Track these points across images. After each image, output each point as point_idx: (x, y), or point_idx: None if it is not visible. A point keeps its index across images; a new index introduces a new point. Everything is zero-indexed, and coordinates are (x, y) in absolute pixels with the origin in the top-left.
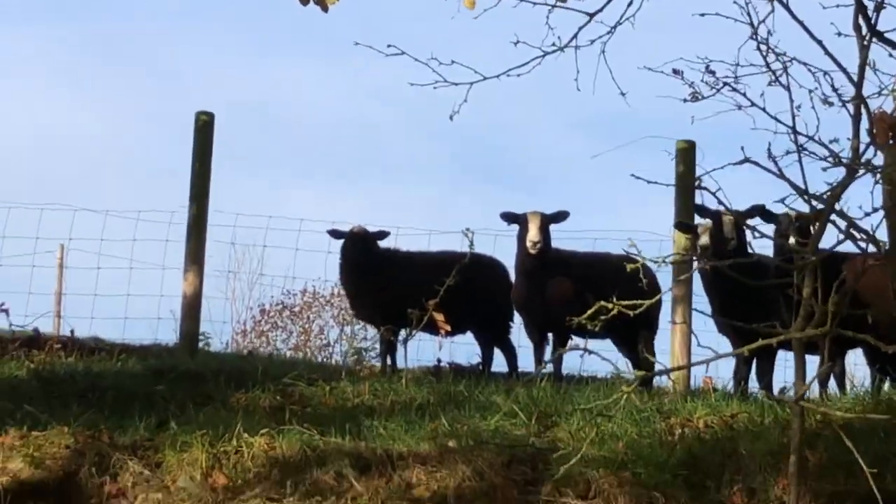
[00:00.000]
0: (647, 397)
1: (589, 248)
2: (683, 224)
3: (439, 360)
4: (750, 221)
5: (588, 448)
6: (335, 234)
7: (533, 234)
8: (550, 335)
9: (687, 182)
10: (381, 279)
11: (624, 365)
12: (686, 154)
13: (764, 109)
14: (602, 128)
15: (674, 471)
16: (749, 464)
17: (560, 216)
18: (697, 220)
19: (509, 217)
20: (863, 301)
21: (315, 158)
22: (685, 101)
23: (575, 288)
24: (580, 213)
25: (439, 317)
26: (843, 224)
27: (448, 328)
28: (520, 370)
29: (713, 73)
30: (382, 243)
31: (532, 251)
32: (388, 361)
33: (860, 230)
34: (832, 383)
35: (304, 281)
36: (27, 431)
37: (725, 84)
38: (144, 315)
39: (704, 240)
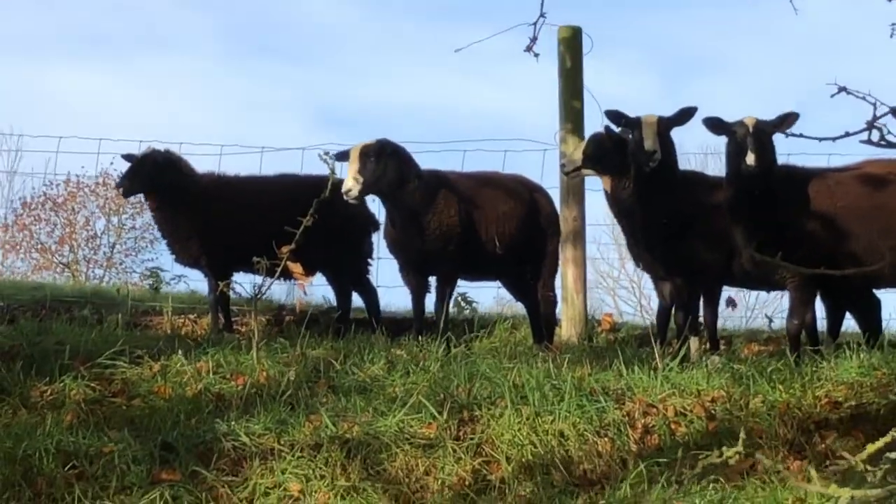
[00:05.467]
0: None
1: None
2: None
3: (282, 307)
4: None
5: None
6: (129, 158)
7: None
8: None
9: (574, 77)
10: (202, 213)
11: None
12: (571, 43)
13: None
14: None
15: None
16: None
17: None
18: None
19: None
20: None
21: (76, 35)
22: None
23: (461, 218)
24: (359, 84)
25: (296, 268)
26: None
27: (307, 281)
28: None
29: None
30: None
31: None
32: (221, 317)
33: None
34: None
35: (67, 171)
36: None
37: None
38: None
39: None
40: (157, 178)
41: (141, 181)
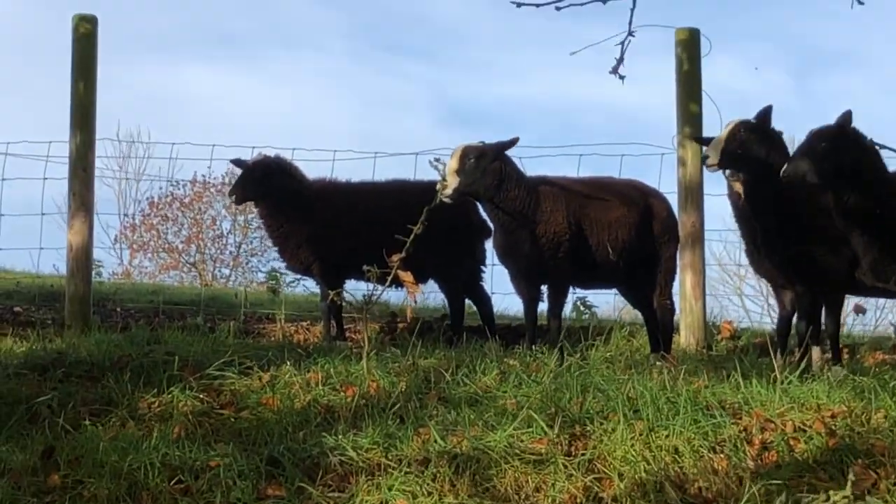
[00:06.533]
0: (675, 371)
1: (573, 166)
2: (705, 139)
3: (394, 315)
4: None
5: None
6: (239, 163)
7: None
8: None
9: (692, 80)
10: (312, 220)
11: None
12: (688, 45)
13: None
14: None
15: None
16: None
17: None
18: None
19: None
20: None
21: (209, 34)
22: None
23: (569, 224)
24: (487, 81)
25: (407, 277)
26: None
27: (418, 290)
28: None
29: None
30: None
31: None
32: (333, 324)
33: None
34: None
35: (193, 171)
36: None
37: None
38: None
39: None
40: (268, 184)
41: (253, 188)
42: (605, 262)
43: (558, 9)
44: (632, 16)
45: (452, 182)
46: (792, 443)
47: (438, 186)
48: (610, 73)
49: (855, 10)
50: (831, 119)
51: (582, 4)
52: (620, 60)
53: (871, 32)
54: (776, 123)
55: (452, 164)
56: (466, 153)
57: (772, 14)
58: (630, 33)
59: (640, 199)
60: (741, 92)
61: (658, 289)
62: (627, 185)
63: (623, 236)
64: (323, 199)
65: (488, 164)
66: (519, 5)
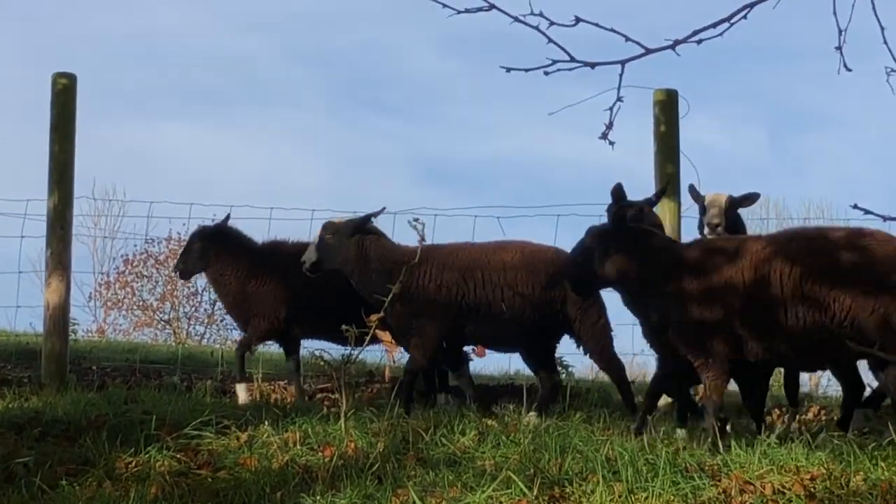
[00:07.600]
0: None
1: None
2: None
3: (372, 373)
4: None
5: None
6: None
7: None
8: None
9: (669, 141)
10: (259, 284)
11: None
12: (666, 107)
13: None
14: (475, 47)
15: None
16: None
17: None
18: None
19: None
20: None
21: (186, 91)
22: None
23: (447, 291)
24: (463, 138)
25: (385, 336)
26: None
27: (397, 350)
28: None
29: None
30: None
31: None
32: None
33: None
34: None
35: (168, 228)
36: None
37: None
38: None
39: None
40: (208, 254)
41: (193, 260)
42: (505, 325)
43: (547, 73)
44: (620, 81)
45: (311, 256)
46: None
47: (302, 259)
48: (599, 138)
49: (831, 71)
50: (807, 177)
51: (570, 70)
52: (610, 126)
53: (847, 92)
54: (751, 184)
55: (316, 238)
56: (325, 228)
57: (747, 74)
58: (619, 99)
59: (550, 263)
60: (717, 151)
61: (594, 352)
62: (545, 249)
63: (518, 300)
64: (273, 261)
65: (345, 239)
66: (508, 70)
